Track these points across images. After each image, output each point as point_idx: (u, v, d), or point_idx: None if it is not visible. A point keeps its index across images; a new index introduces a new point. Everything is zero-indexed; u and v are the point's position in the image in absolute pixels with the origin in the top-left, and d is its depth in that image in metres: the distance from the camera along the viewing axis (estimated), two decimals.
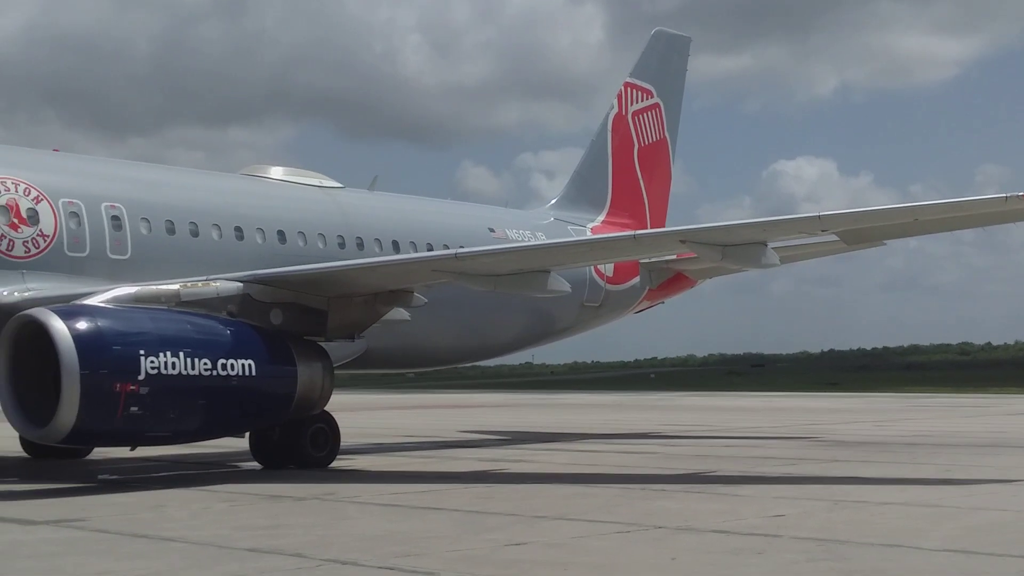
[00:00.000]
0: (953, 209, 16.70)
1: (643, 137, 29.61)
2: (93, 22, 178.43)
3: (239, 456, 19.21)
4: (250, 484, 15.35)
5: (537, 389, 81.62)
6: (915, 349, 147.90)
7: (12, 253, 17.06)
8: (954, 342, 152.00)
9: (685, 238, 17.41)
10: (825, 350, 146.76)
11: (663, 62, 30.03)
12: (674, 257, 25.20)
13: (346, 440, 19.24)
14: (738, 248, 16.98)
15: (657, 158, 30.02)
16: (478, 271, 18.00)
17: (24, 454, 20.56)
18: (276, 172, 22.37)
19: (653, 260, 25.84)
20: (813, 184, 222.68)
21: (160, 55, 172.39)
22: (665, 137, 30.21)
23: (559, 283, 18.47)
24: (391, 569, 8.51)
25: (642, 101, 29.53)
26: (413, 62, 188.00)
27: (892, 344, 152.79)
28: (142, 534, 10.53)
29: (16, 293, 16.73)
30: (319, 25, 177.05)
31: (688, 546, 9.62)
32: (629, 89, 29.38)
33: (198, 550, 9.57)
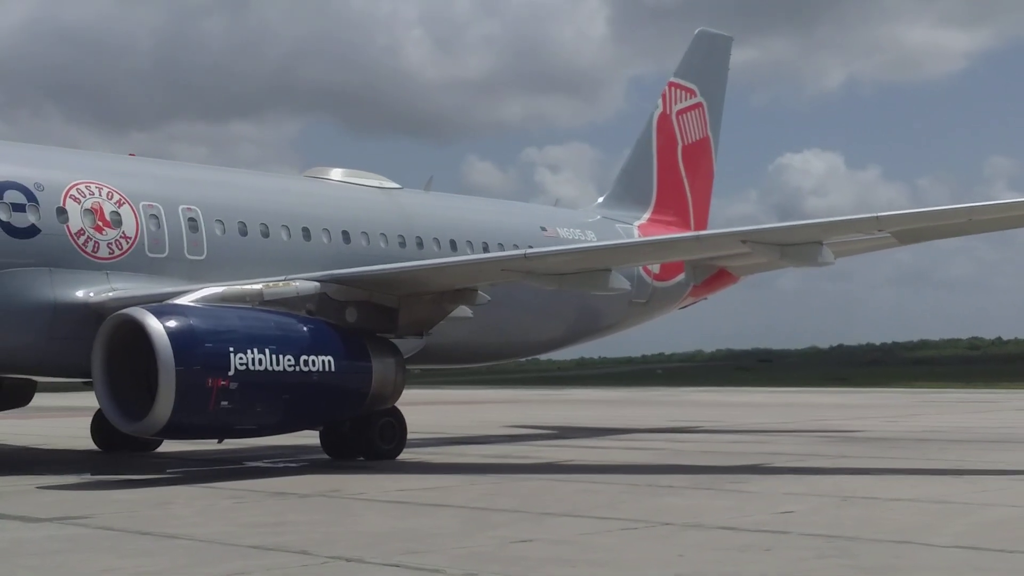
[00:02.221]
0: (1008, 209, 17.29)
1: (687, 136, 30.13)
2: (95, 17, 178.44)
3: (307, 449, 19.17)
4: (255, 481, 15.34)
5: (544, 385, 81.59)
6: (924, 344, 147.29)
7: (97, 255, 17.77)
8: (964, 337, 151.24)
9: (746, 238, 17.86)
10: (834, 345, 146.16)
11: (706, 62, 30.53)
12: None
13: None
14: (796, 247, 17.52)
15: (700, 157, 30.58)
16: (545, 270, 18.58)
17: (95, 448, 21.42)
18: (336, 174, 23.07)
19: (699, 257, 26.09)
20: (820, 178, 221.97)
21: (162, 50, 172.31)
22: (708, 136, 30.74)
23: (620, 281, 19.03)
24: (396, 566, 8.46)
25: (686, 100, 30.08)
26: (416, 56, 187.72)
27: (901, 339, 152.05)
28: (146, 531, 10.49)
29: (103, 293, 17.44)
30: (321, 20, 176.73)
31: (695, 543, 9.56)
32: (673, 89, 29.91)
33: (203, 547, 9.52)
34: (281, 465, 18.28)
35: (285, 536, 10.04)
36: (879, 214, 17.03)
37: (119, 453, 20.42)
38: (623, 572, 8.27)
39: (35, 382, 21.45)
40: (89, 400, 17.79)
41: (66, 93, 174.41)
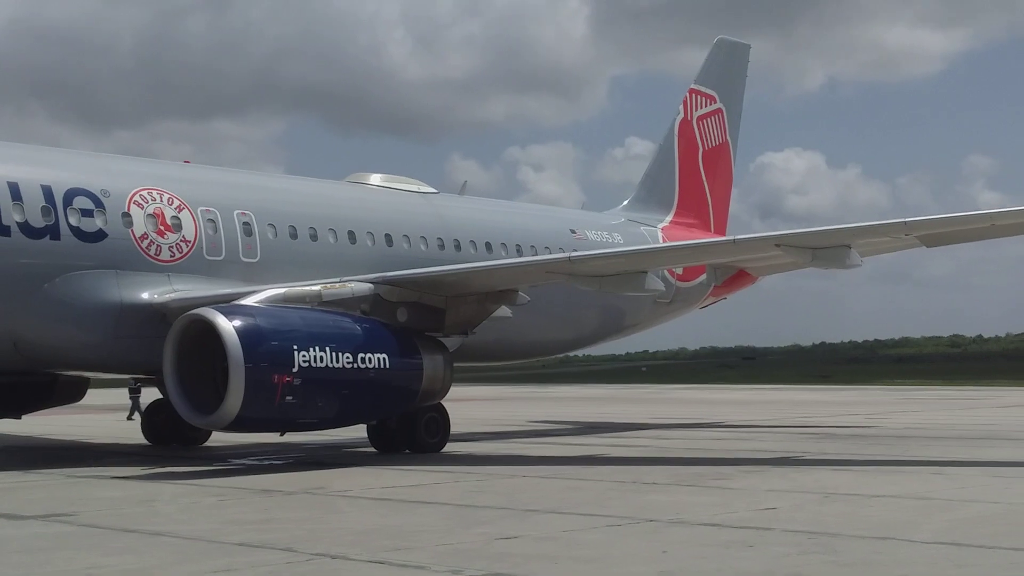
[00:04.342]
0: None
1: (707, 141, 31.05)
2: (79, 16, 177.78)
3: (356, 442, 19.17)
4: (240, 478, 15.36)
5: (528, 383, 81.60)
6: (906, 342, 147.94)
7: (159, 257, 18.74)
8: (945, 334, 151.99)
9: (780, 242, 18.74)
10: (817, 343, 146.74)
11: (725, 68, 31.47)
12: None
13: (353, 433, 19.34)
14: (827, 251, 18.40)
15: (720, 161, 31.50)
16: (587, 272, 19.45)
17: (145, 441, 22.64)
18: (375, 179, 24.18)
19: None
20: (801, 176, 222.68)
21: (146, 49, 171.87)
22: (727, 140, 31.68)
23: (655, 282, 20.02)
24: (381, 563, 8.48)
25: (706, 106, 30.96)
26: (399, 56, 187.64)
27: (883, 337, 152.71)
28: (132, 529, 10.49)
29: (166, 294, 18.39)
30: (304, 19, 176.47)
31: (679, 539, 9.61)
32: (694, 95, 30.82)
33: (188, 545, 9.53)
34: (266, 463, 18.28)
35: (270, 533, 10.05)
36: (907, 219, 18.04)
37: (169, 446, 21.54)
38: (608, 569, 8.30)
39: (88, 379, 22.31)
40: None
41: (50, 92, 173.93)
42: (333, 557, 8.78)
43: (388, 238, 22.12)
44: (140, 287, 18.30)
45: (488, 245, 23.83)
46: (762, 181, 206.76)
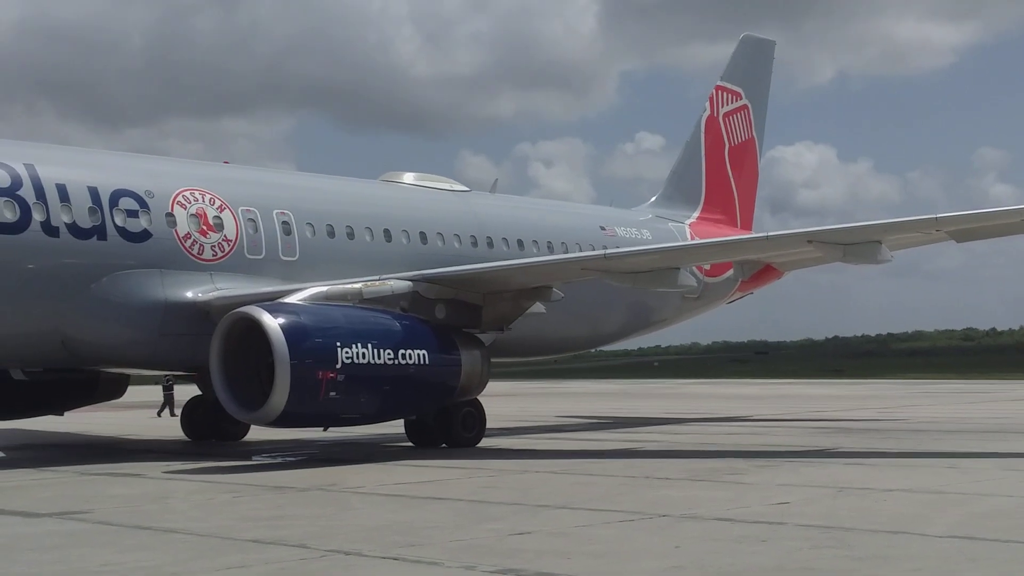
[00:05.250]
0: None
1: (733, 137, 31.33)
2: (88, 14, 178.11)
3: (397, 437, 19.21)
4: (253, 474, 15.39)
5: (541, 378, 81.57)
6: (919, 335, 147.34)
7: (202, 256, 19.10)
8: (958, 328, 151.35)
9: (812, 238, 18.97)
10: (829, 337, 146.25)
11: (750, 65, 31.76)
12: None
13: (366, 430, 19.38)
14: (858, 247, 18.59)
15: (746, 157, 31.78)
16: (622, 269, 19.75)
17: (185, 437, 23.02)
18: (408, 178, 24.54)
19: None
20: (812, 170, 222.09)
21: (155, 47, 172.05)
22: (753, 136, 31.95)
23: (687, 278, 20.39)
24: (394, 559, 8.50)
25: (732, 103, 31.26)
26: (407, 53, 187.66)
27: (896, 330, 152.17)
28: (146, 526, 10.52)
29: (209, 293, 18.74)
30: (311, 17, 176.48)
31: (692, 534, 9.60)
32: (720, 92, 31.08)
33: (201, 542, 9.56)
34: (279, 460, 18.32)
35: (283, 530, 10.07)
36: (938, 215, 18.50)
37: (207, 442, 21.95)
38: (620, 564, 8.30)
39: (128, 376, 22.82)
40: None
41: (59, 90, 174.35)
42: (346, 553, 8.80)
43: (422, 236, 22.44)
44: (184, 286, 18.66)
45: (520, 242, 24.17)
46: (773, 175, 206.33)
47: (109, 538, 9.89)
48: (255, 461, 18.02)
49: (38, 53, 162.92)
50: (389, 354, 17.07)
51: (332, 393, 16.43)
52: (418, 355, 17.47)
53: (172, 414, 32.52)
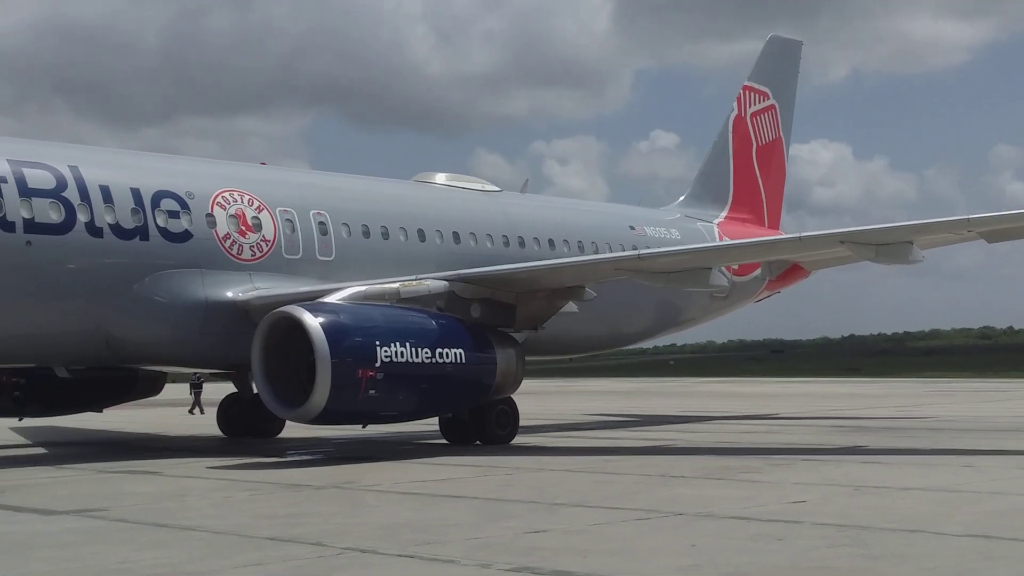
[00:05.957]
0: None
1: (760, 137, 31.60)
2: (102, 14, 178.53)
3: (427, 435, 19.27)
4: (270, 472, 15.43)
5: (557, 376, 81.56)
6: (936, 334, 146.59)
7: (241, 256, 19.49)
8: (975, 326, 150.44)
9: (845, 239, 19.07)
10: (845, 335, 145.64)
11: (777, 65, 32.03)
12: None
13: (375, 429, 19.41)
14: (890, 247, 18.67)
15: (773, 156, 32.04)
16: (655, 269, 19.92)
17: (221, 434, 23.43)
18: (440, 178, 24.87)
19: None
20: (827, 168, 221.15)
21: (169, 46, 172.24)
22: (780, 136, 32.22)
23: (719, 278, 20.56)
24: (411, 557, 8.51)
25: (759, 103, 31.55)
26: (421, 51, 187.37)
27: (913, 329, 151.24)
28: (163, 523, 10.56)
29: (248, 292, 19.09)
30: (324, 15, 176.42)
31: (708, 532, 9.59)
32: (747, 92, 31.38)
33: (218, 539, 9.60)
34: (295, 458, 18.37)
35: (300, 528, 10.10)
36: (970, 216, 18.66)
37: (243, 439, 22.25)
38: (636, 562, 8.31)
39: (166, 374, 23.21)
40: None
41: (74, 89, 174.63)
42: (363, 551, 8.81)
43: (456, 236, 22.71)
44: (224, 285, 19.01)
45: (551, 242, 24.40)
46: (789, 173, 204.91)
47: (126, 536, 9.93)
48: (289, 458, 18.14)
49: (53, 52, 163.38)
50: (427, 353, 17.31)
51: (371, 391, 16.67)
52: (455, 354, 17.69)
53: (201, 412, 32.88)
